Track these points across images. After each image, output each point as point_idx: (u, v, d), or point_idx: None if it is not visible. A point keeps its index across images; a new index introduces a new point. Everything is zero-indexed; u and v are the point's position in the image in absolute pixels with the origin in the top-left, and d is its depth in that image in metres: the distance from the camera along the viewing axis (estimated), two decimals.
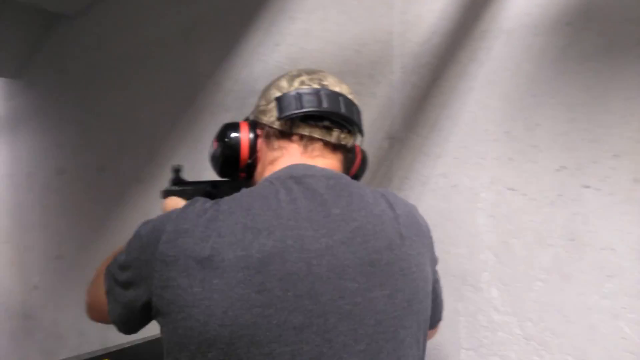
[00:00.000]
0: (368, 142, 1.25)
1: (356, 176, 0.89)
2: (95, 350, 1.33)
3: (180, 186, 0.95)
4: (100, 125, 2.56)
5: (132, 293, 0.63)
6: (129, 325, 0.66)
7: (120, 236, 1.81)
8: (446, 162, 1.12)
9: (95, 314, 0.74)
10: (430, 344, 1.04)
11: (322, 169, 0.70)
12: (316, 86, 0.74)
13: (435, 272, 0.76)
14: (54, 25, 3.16)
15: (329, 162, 0.74)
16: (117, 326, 0.68)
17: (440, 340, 1.11)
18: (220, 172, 0.82)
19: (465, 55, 1.09)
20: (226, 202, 0.63)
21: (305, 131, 0.73)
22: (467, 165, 1.08)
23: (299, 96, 0.72)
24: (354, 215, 0.64)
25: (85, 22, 2.78)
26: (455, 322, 1.09)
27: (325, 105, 0.72)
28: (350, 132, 0.76)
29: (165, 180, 1.07)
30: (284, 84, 0.75)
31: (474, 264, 1.06)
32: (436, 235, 0.99)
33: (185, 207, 0.63)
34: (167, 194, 0.95)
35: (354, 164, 0.87)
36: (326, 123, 0.73)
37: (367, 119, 1.25)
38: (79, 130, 2.75)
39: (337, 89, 0.76)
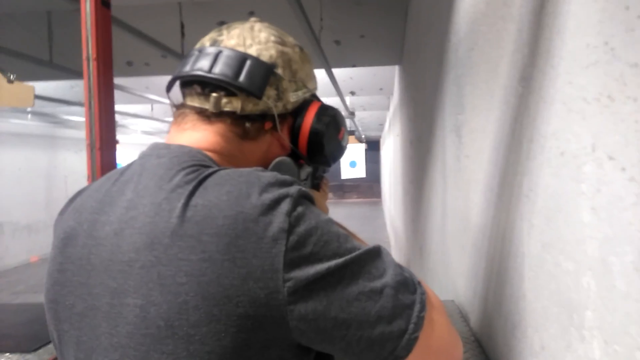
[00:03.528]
0: (505, 90, 0.87)
1: (316, 145, 0.70)
2: None
3: None
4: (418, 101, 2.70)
5: None
6: None
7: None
8: (557, 113, 0.64)
9: None
10: None
11: (167, 146, 0.62)
12: (206, 44, 0.66)
13: (332, 296, 0.51)
14: (407, 12, 3.49)
15: (201, 134, 0.64)
16: None
17: None
18: None
19: None
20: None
21: (187, 100, 0.66)
22: (572, 115, 0.59)
23: (182, 62, 0.67)
24: (137, 202, 0.56)
25: (411, 5, 2.95)
26: None
27: (196, 66, 0.64)
28: (236, 95, 0.63)
29: None
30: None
31: (579, 293, 0.58)
32: (548, 236, 0.63)
33: None
34: None
35: (302, 132, 0.69)
36: (197, 88, 0.64)
37: (507, 53, 0.87)
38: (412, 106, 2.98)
39: (231, 42, 0.65)
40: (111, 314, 0.54)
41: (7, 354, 1.19)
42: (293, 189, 0.54)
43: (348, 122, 12.14)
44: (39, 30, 3.31)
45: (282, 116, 0.68)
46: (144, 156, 0.62)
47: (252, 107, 0.64)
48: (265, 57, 0.65)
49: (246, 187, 0.53)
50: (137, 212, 0.55)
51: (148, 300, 0.51)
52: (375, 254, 0.56)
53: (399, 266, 0.57)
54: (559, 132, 0.64)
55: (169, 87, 0.68)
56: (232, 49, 0.64)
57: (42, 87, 5.14)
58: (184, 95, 0.67)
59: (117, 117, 7.59)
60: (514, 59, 0.84)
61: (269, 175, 0.55)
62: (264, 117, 0.66)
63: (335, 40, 3.91)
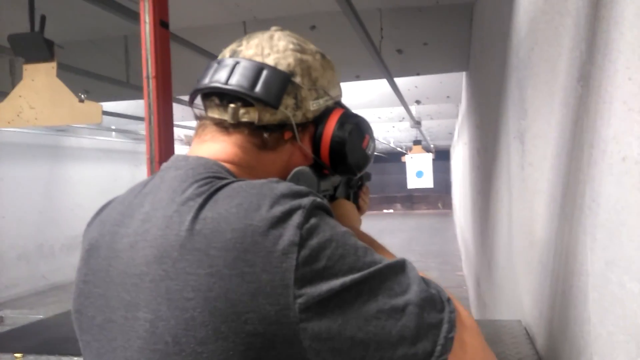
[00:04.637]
0: (565, 91, 0.80)
1: (338, 154, 0.67)
2: None
3: None
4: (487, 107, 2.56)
5: None
6: None
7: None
8: (617, 113, 0.57)
9: None
10: None
11: (186, 158, 0.61)
12: (226, 55, 0.65)
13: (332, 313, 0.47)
14: (472, 16, 3.37)
15: (219, 146, 0.62)
16: None
17: None
18: None
19: None
20: None
21: (208, 111, 0.65)
22: (633, 115, 0.52)
23: (202, 74, 0.66)
24: (152, 215, 0.55)
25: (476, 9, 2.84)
26: None
27: (214, 78, 0.63)
28: (253, 106, 0.61)
29: None
30: None
31: None
32: (611, 252, 0.57)
33: None
34: None
35: (323, 141, 0.66)
36: (216, 100, 0.63)
37: (565, 51, 0.80)
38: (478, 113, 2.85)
39: (249, 52, 0.63)
40: (125, 328, 0.54)
41: (75, 357, 1.25)
42: (306, 200, 0.51)
43: (414, 131, 11.86)
44: (117, 54, 3.56)
45: (303, 125, 0.65)
46: (165, 168, 0.62)
47: (269, 117, 0.62)
48: (282, 65, 0.63)
49: (257, 199, 0.51)
50: (150, 225, 0.55)
51: (157, 315, 0.50)
52: (399, 268, 0.52)
53: (426, 281, 0.53)
54: (619, 134, 0.56)
55: (192, 100, 0.68)
56: (249, 60, 0.63)
57: (124, 106, 5.50)
58: (205, 107, 0.66)
59: (189, 132, 7.94)
60: (572, 56, 0.76)
61: (283, 187, 0.53)
62: (282, 126, 0.63)
63: (397, 49, 3.85)
